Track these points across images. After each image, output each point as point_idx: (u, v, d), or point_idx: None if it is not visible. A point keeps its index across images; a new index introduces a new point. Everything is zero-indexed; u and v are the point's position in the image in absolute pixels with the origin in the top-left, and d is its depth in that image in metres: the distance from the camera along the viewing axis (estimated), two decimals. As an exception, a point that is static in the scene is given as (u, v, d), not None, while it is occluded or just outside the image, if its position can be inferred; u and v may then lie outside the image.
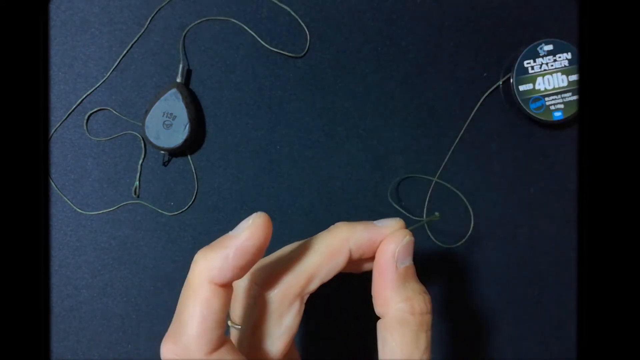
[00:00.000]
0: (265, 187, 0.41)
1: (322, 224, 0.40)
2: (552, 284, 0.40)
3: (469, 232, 0.40)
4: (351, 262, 0.28)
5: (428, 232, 0.40)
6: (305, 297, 0.27)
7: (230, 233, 0.24)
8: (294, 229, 0.40)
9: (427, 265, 0.40)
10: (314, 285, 0.27)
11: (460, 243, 0.40)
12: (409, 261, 0.28)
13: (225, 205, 0.41)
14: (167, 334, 0.24)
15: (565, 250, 0.40)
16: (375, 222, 0.29)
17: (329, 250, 0.27)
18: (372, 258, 0.29)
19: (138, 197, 0.41)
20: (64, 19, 0.42)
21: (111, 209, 0.41)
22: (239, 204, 0.41)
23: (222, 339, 0.23)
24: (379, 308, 0.28)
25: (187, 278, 0.24)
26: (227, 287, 0.24)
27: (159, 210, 0.41)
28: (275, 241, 0.41)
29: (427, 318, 0.27)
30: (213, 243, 0.24)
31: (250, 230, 0.24)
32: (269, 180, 0.41)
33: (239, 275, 0.24)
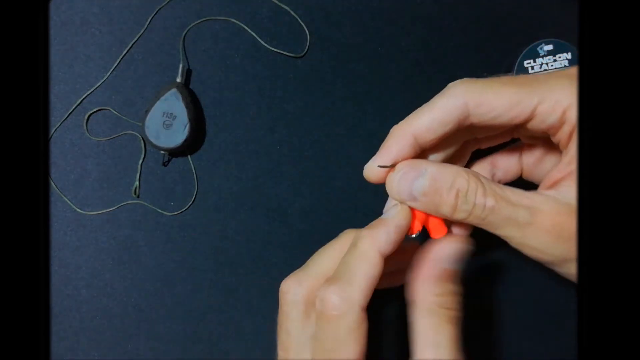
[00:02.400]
0: (265, 187, 0.41)
1: (322, 224, 0.40)
2: (552, 284, 0.40)
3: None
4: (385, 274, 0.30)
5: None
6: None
7: (384, 217, 0.29)
8: (294, 229, 0.40)
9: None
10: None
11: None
12: (454, 265, 0.29)
13: (225, 205, 0.41)
14: (329, 280, 0.28)
15: (565, 250, 0.40)
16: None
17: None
18: (402, 269, 0.30)
19: (138, 197, 0.41)
20: (64, 19, 0.42)
21: (111, 209, 0.41)
22: (239, 204, 0.41)
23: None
24: (412, 294, 0.29)
25: (356, 247, 0.28)
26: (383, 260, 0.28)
27: (159, 210, 0.41)
28: (275, 241, 0.42)
29: (454, 314, 0.29)
30: (372, 224, 0.29)
31: (402, 213, 0.29)
32: (269, 180, 0.41)
33: (391, 250, 0.28)
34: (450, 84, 0.29)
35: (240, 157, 0.41)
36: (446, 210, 0.29)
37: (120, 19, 0.42)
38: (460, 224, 0.32)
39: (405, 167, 0.29)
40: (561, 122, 0.27)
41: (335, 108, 0.41)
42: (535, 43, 0.39)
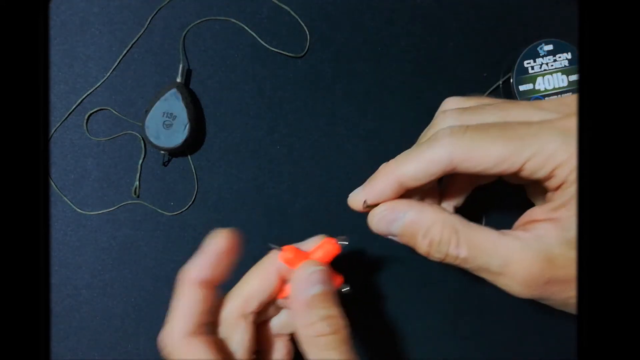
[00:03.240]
0: (265, 187, 0.41)
1: (322, 224, 0.40)
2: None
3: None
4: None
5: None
6: (250, 317, 0.31)
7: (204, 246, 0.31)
8: (294, 229, 0.40)
9: (428, 266, 0.40)
10: (251, 307, 0.31)
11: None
12: (317, 289, 0.30)
13: (225, 205, 0.41)
14: None
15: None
16: (302, 242, 0.32)
17: (260, 276, 0.32)
18: None
19: (138, 197, 0.41)
20: (64, 19, 0.42)
21: (111, 209, 0.41)
22: (239, 204, 0.41)
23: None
24: (296, 331, 0.30)
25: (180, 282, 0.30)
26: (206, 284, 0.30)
27: (159, 210, 0.41)
28: (275, 241, 0.41)
29: (332, 338, 0.29)
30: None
31: (217, 238, 0.31)
32: (269, 180, 0.41)
33: (211, 273, 0.30)
34: (440, 133, 0.28)
35: (240, 157, 0.41)
36: (421, 252, 0.30)
37: (120, 19, 0.42)
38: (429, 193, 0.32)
39: (385, 209, 0.30)
40: (550, 177, 0.27)
41: (335, 108, 0.41)
42: (535, 43, 0.39)
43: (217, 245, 0.30)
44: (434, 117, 0.32)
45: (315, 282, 0.30)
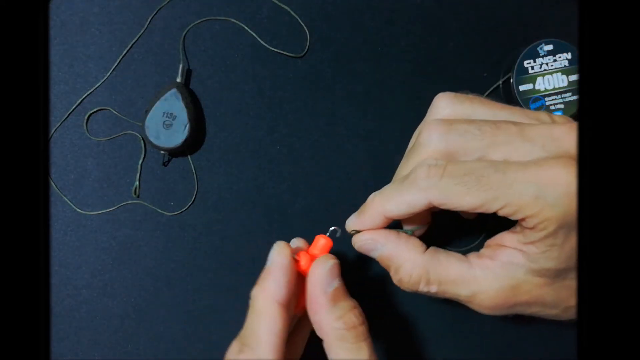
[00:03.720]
0: (265, 187, 0.41)
1: (322, 224, 0.40)
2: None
3: (480, 239, 0.40)
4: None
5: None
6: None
7: (267, 265, 0.31)
8: (294, 229, 0.40)
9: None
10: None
11: (470, 247, 0.40)
12: (336, 282, 0.31)
13: (225, 205, 0.41)
14: (240, 347, 0.30)
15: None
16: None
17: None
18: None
19: (138, 197, 0.41)
20: (64, 19, 0.42)
21: (111, 209, 0.41)
22: (239, 204, 0.41)
23: None
24: (318, 332, 0.30)
25: (253, 307, 0.30)
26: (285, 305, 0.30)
27: (159, 210, 0.41)
28: (275, 241, 0.41)
29: (362, 329, 0.30)
30: (261, 276, 0.31)
31: (282, 254, 0.31)
32: (269, 180, 0.41)
33: (288, 293, 0.30)
34: (418, 173, 0.30)
35: (240, 157, 0.41)
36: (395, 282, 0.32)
37: (120, 19, 0.42)
38: (413, 220, 0.34)
39: (367, 238, 0.32)
40: (522, 220, 0.28)
41: (335, 108, 0.41)
42: (535, 43, 0.39)
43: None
44: (421, 124, 0.33)
45: (335, 276, 0.31)
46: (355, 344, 0.29)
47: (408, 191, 0.30)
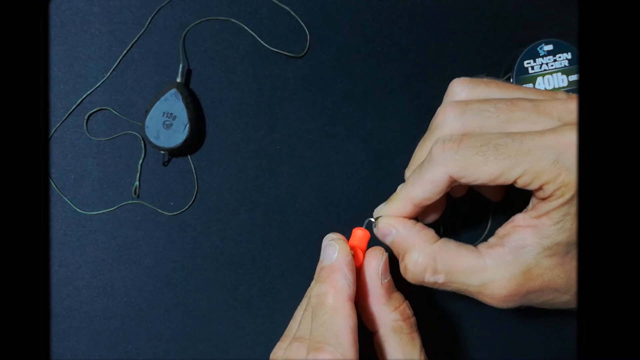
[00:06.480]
0: (265, 187, 0.41)
1: (322, 224, 0.40)
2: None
3: (485, 232, 0.40)
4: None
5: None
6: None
7: (328, 262, 0.31)
8: (294, 229, 0.40)
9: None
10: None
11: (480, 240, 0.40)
12: (389, 274, 0.31)
13: (225, 205, 0.41)
14: (314, 346, 0.28)
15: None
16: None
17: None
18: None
19: (138, 197, 0.41)
20: (64, 19, 0.42)
21: (111, 209, 0.41)
22: (239, 204, 0.41)
23: None
24: (370, 324, 0.31)
25: (324, 305, 0.29)
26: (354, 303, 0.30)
27: (159, 210, 0.41)
28: (275, 241, 0.42)
29: (414, 320, 0.30)
30: (322, 274, 0.31)
31: (344, 250, 0.31)
32: (269, 180, 0.41)
33: (354, 290, 0.30)
34: (433, 150, 0.30)
35: (240, 157, 0.41)
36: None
37: (120, 19, 0.42)
38: (429, 210, 0.34)
39: (384, 223, 0.32)
40: (539, 189, 0.28)
41: (335, 108, 0.41)
42: (535, 43, 0.39)
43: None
44: (441, 105, 0.33)
45: (387, 269, 0.31)
46: (410, 334, 0.30)
47: (428, 170, 0.30)
